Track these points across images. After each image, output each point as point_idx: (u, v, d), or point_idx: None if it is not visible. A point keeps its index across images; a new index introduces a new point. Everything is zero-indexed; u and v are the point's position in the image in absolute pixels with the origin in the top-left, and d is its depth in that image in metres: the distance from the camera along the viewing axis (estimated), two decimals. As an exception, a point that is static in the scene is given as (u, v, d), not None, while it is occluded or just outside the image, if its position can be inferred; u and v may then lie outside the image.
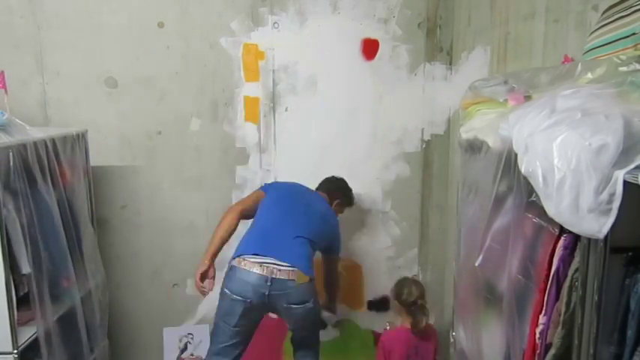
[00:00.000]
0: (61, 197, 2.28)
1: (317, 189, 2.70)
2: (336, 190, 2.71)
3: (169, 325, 3.00)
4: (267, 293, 2.18)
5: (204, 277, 2.33)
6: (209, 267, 2.32)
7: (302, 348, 2.48)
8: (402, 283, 2.48)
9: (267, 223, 2.38)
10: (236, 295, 2.19)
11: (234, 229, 2.39)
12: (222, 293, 2.25)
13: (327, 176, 2.77)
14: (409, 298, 2.38)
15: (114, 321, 2.87)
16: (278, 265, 2.20)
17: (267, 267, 2.18)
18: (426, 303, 2.41)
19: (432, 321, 3.16)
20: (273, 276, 2.18)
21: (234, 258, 2.26)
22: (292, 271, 2.20)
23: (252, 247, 2.26)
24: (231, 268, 2.25)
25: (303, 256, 2.29)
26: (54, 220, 2.19)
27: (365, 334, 3.13)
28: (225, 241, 2.36)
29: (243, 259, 2.22)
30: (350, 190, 2.78)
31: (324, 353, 2.85)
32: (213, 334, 2.34)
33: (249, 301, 2.19)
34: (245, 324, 2.27)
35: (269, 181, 2.88)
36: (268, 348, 3.03)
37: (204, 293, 2.36)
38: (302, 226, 2.35)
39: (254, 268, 2.18)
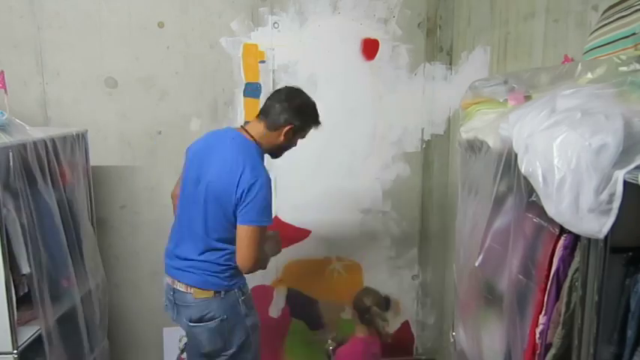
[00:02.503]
0: (61, 197, 2.28)
1: (259, 112, 2.02)
2: (282, 112, 1.93)
3: (169, 325, 2.99)
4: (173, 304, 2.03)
5: None
6: None
7: None
8: (362, 291, 2.60)
9: (176, 222, 2.11)
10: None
11: None
12: None
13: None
14: (365, 303, 2.44)
15: (114, 321, 2.87)
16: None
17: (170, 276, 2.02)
18: (382, 308, 2.43)
19: (431, 321, 3.17)
20: (175, 286, 2.01)
21: None
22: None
23: (167, 251, 2.10)
24: None
25: (203, 267, 1.95)
26: (54, 220, 2.19)
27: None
28: None
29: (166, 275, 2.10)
30: (307, 106, 2.01)
31: (319, 352, 2.85)
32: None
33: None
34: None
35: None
36: (269, 348, 3.03)
37: None
38: (198, 226, 1.94)
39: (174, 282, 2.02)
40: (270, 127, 1.96)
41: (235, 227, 1.89)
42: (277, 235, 2.23)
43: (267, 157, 2.07)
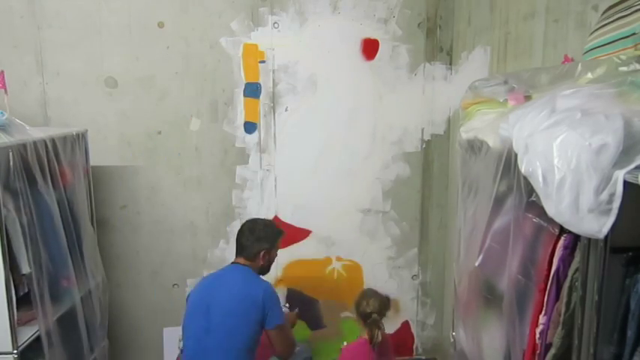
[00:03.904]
0: (61, 197, 2.28)
1: (236, 254, 2.39)
2: (252, 245, 2.33)
3: (169, 325, 2.99)
4: None
5: None
6: None
7: None
8: (364, 294, 2.48)
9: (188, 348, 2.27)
10: None
11: None
12: None
13: (238, 230, 2.43)
14: (366, 309, 2.35)
15: (114, 321, 2.87)
16: None
17: None
18: (382, 317, 2.37)
19: (431, 321, 3.17)
20: None
21: None
22: None
23: None
24: None
25: None
26: (54, 220, 2.19)
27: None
28: None
29: None
30: (266, 232, 2.38)
31: (321, 352, 2.86)
32: None
33: None
34: None
35: (269, 182, 2.90)
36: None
37: None
38: (216, 347, 2.17)
39: None
40: (250, 258, 2.35)
41: (254, 336, 2.23)
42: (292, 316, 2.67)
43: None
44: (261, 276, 2.36)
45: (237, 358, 2.18)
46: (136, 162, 2.86)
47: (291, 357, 2.36)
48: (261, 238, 2.35)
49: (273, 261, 2.45)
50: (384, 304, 2.43)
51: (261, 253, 2.34)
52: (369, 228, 3.04)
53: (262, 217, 2.94)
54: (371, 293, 2.47)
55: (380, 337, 2.29)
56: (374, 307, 2.34)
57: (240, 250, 2.37)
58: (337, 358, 2.50)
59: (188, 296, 2.38)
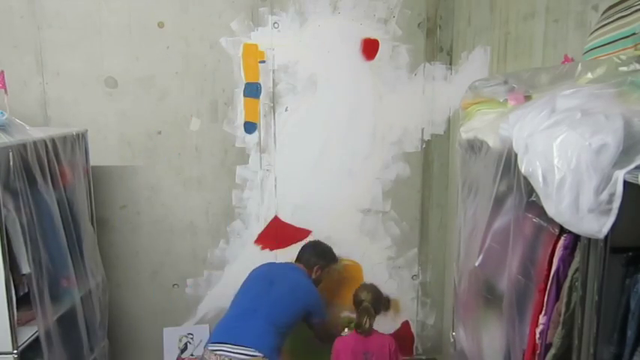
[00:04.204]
0: (61, 197, 2.28)
1: (296, 259, 2.81)
2: (311, 257, 2.77)
3: (169, 325, 3.00)
4: None
5: None
6: None
7: None
8: (363, 285, 2.76)
9: (231, 312, 2.47)
10: None
11: None
12: None
13: (306, 243, 2.91)
14: (360, 297, 2.57)
15: (114, 321, 2.87)
16: (232, 351, 2.24)
17: (221, 355, 2.24)
18: (376, 311, 2.53)
19: (431, 321, 3.17)
20: None
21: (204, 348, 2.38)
22: (248, 355, 2.23)
23: (214, 336, 2.38)
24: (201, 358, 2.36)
25: (261, 337, 2.30)
26: (54, 220, 2.19)
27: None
28: None
29: (205, 349, 2.33)
30: (325, 251, 2.85)
31: (321, 352, 2.85)
32: None
33: None
34: None
35: (269, 182, 2.90)
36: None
37: None
38: (264, 310, 2.38)
39: (211, 356, 2.26)
40: (307, 267, 2.74)
41: (295, 321, 2.53)
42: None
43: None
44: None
45: (275, 333, 2.35)
46: (136, 162, 2.86)
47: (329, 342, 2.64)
48: (321, 255, 2.79)
49: (321, 280, 2.79)
50: (380, 298, 2.61)
51: (316, 267, 2.73)
52: (369, 228, 3.04)
53: (262, 217, 2.97)
54: (370, 287, 2.70)
55: (368, 324, 2.45)
56: (367, 297, 2.54)
57: (299, 257, 2.80)
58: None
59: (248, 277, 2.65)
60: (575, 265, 1.05)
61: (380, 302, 2.63)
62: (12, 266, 1.93)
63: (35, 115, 2.71)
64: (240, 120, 2.85)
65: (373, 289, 2.68)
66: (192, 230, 2.94)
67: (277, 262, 2.87)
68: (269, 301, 2.43)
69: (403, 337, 3.14)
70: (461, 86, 2.14)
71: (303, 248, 2.84)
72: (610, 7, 1.32)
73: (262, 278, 2.59)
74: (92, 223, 2.63)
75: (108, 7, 2.70)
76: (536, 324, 1.16)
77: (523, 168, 1.06)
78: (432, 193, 3.03)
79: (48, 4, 2.67)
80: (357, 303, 2.58)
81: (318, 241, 2.91)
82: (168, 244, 2.95)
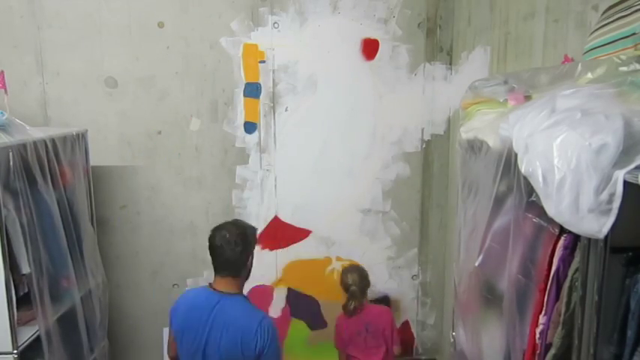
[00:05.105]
0: (61, 197, 2.28)
1: (215, 275, 1.96)
2: (240, 254, 1.93)
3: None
4: None
5: None
6: None
7: None
8: (348, 269, 2.72)
9: None
10: None
11: None
12: None
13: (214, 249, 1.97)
14: (346, 281, 2.61)
15: (114, 321, 2.87)
16: None
17: None
18: (361, 290, 2.59)
19: (431, 321, 3.17)
20: None
21: None
22: None
23: None
24: None
25: None
26: (54, 220, 2.19)
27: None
28: None
29: None
30: (245, 229, 1.99)
31: (321, 352, 2.86)
32: None
33: None
34: None
35: (269, 182, 2.90)
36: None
37: None
38: None
39: None
40: (236, 275, 1.94)
41: None
42: None
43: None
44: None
45: None
46: (136, 162, 2.86)
47: None
48: (247, 243, 1.97)
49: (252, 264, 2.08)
50: (365, 277, 2.66)
51: (249, 260, 1.99)
52: (369, 228, 3.04)
53: (262, 217, 2.96)
54: (354, 268, 2.72)
55: (352, 307, 2.56)
56: (354, 280, 2.59)
57: (224, 266, 1.94)
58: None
59: (170, 319, 2.00)
60: (575, 265, 1.05)
61: (366, 281, 2.67)
62: (12, 266, 1.93)
63: (35, 115, 2.71)
64: (240, 120, 2.85)
65: (358, 270, 2.68)
66: (192, 230, 2.94)
67: (200, 305, 1.94)
68: None
69: (403, 337, 3.14)
70: (461, 86, 2.14)
71: (220, 252, 1.93)
72: (610, 7, 1.32)
73: (191, 344, 1.90)
74: (92, 223, 2.63)
75: (108, 7, 2.70)
76: (536, 324, 1.16)
77: (523, 168, 1.06)
78: (432, 193, 3.03)
79: (48, 4, 2.67)
80: (345, 287, 2.62)
81: (223, 228, 1.96)
82: (169, 244, 2.95)
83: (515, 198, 1.23)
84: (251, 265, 2.02)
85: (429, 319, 3.17)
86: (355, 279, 2.60)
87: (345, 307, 2.59)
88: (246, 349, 1.83)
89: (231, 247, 1.91)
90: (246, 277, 2.03)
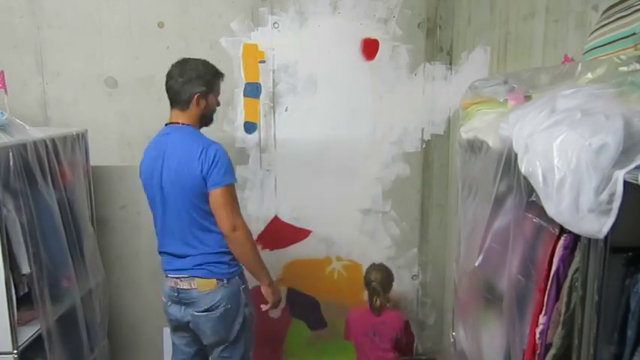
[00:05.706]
0: (61, 197, 2.28)
1: (171, 108, 2.08)
2: (182, 86, 2.00)
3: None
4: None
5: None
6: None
7: None
8: (372, 267, 2.79)
9: (158, 229, 2.16)
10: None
11: None
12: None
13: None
14: (369, 277, 2.69)
15: (114, 321, 2.87)
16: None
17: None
18: (383, 287, 2.66)
19: (431, 321, 3.17)
20: (179, 286, 2.08)
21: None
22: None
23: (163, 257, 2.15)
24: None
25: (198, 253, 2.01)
26: (54, 220, 2.19)
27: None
28: None
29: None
30: (198, 66, 2.03)
31: (321, 352, 2.86)
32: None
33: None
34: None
35: (269, 182, 2.90)
36: (268, 348, 3.03)
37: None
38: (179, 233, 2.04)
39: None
40: (184, 107, 2.04)
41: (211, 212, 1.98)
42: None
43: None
44: (205, 134, 2.09)
45: (196, 234, 2.02)
46: (136, 162, 2.83)
47: (236, 237, 1.99)
48: (193, 79, 1.99)
49: (214, 109, 2.12)
50: (390, 277, 2.74)
51: (195, 98, 2.00)
52: (369, 228, 3.04)
53: (262, 217, 2.96)
54: (380, 266, 2.79)
55: (378, 303, 2.62)
56: (376, 277, 2.66)
57: (172, 99, 2.03)
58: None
59: (140, 172, 2.17)
60: (575, 265, 1.05)
61: (388, 281, 2.72)
62: (12, 266, 1.93)
63: (35, 115, 2.71)
64: (240, 120, 2.85)
65: (382, 268, 2.76)
66: (192, 230, 2.94)
67: (156, 140, 2.12)
68: (172, 213, 2.01)
69: (403, 337, 3.14)
70: (461, 86, 2.14)
71: (167, 82, 2.03)
72: (610, 7, 1.32)
73: (154, 187, 2.09)
74: (92, 223, 2.63)
75: (108, 7, 2.70)
76: (536, 324, 1.16)
77: (523, 168, 1.06)
78: (432, 193, 3.03)
79: (48, 4, 2.67)
80: (367, 283, 2.68)
81: (182, 60, 2.06)
82: (169, 244, 2.95)
83: (515, 198, 1.23)
84: (205, 110, 2.07)
85: (429, 319, 3.17)
86: (378, 277, 2.67)
87: (370, 303, 2.65)
88: (192, 173, 1.95)
89: (175, 79, 2.01)
90: (205, 120, 2.11)
